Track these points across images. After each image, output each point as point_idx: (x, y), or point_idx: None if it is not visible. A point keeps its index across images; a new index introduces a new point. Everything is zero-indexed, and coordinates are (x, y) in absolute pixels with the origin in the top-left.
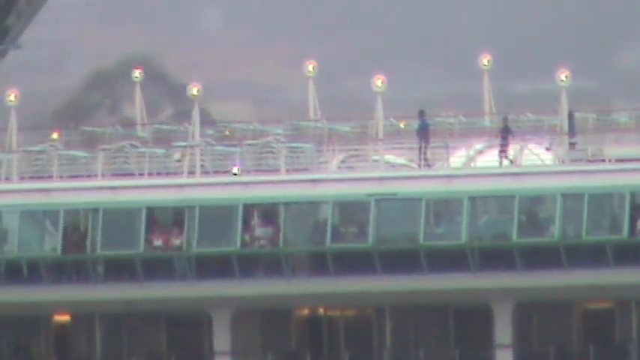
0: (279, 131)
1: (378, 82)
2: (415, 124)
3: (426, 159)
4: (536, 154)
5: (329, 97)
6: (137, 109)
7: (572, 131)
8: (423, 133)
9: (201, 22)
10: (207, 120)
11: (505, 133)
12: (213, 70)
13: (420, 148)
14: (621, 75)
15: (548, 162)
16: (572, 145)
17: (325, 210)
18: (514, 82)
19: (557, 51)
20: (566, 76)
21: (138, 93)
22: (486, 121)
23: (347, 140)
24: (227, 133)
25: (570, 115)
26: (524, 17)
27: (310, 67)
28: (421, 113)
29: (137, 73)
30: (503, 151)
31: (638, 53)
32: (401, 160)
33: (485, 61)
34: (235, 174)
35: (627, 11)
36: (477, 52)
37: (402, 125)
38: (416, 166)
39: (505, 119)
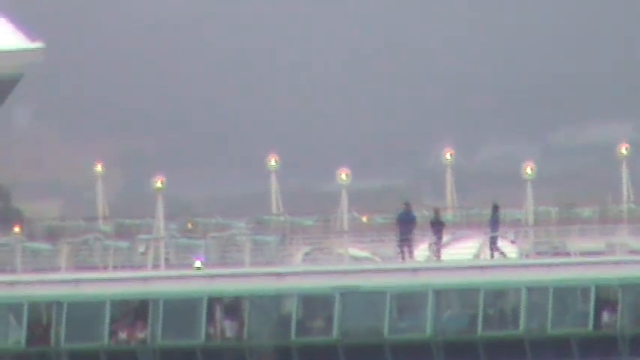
0: (242, 225)
1: (343, 175)
2: (380, 218)
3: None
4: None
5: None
6: (99, 203)
7: (495, 225)
8: (407, 223)
9: (11, 119)
10: (18, 218)
11: (437, 226)
12: (23, 169)
13: (404, 240)
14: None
15: (512, 255)
16: (492, 239)
17: (290, 303)
18: None
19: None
20: (531, 170)
21: None
22: (449, 215)
23: (309, 234)
24: (189, 226)
25: (495, 209)
26: None
27: (272, 162)
28: (407, 205)
29: None
30: (437, 244)
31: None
32: (364, 254)
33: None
34: (198, 268)
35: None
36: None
37: (364, 219)
38: (379, 259)
39: (436, 212)
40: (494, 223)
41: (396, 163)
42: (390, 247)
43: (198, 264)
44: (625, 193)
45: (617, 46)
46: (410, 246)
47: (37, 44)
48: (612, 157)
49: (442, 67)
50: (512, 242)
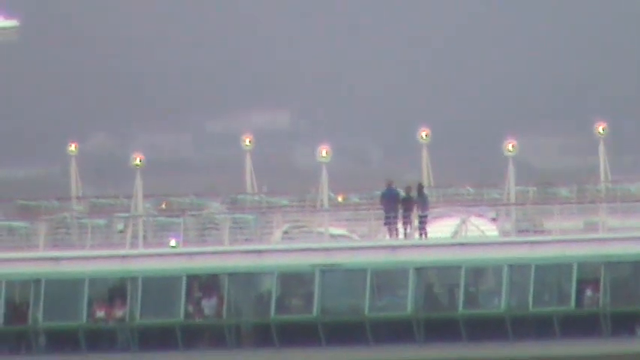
0: (217, 204)
1: (323, 152)
2: (355, 197)
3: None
4: (476, 225)
5: None
6: (73, 183)
7: (424, 204)
8: (391, 201)
9: None
10: None
11: (408, 204)
12: None
13: (388, 216)
14: None
15: (492, 234)
16: (422, 218)
17: (269, 281)
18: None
19: None
20: (513, 147)
21: (73, 166)
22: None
23: (287, 212)
24: (163, 206)
25: (420, 188)
26: None
27: (247, 141)
28: (389, 182)
29: None
30: (406, 222)
31: None
32: (341, 231)
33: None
34: (173, 247)
35: None
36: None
37: (339, 199)
38: (356, 237)
39: (408, 189)
40: (423, 203)
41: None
42: (368, 225)
43: (173, 243)
44: (602, 172)
45: None
46: (395, 224)
47: (11, 22)
48: (588, 137)
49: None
50: (494, 220)
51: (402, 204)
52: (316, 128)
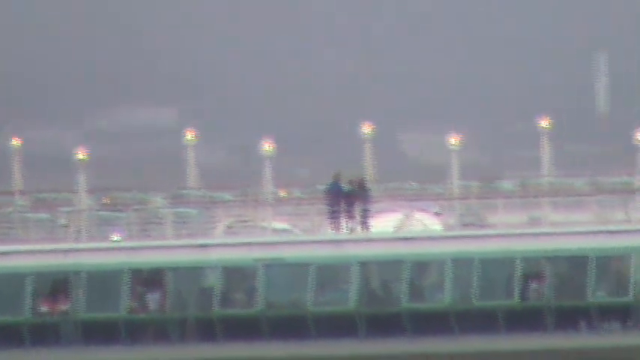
0: (160, 199)
1: (267, 146)
2: (298, 192)
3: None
4: (419, 219)
5: None
6: (16, 178)
7: (367, 199)
8: (337, 196)
9: None
10: None
11: (351, 198)
12: None
13: (333, 210)
14: None
15: (435, 228)
16: (365, 212)
17: (213, 275)
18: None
19: None
20: (456, 141)
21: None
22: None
23: (229, 207)
24: (106, 200)
25: (362, 183)
26: None
27: (189, 136)
28: (336, 177)
29: None
30: (350, 217)
31: None
32: (283, 226)
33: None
34: (116, 241)
35: None
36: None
37: (282, 193)
38: (299, 232)
39: (351, 183)
40: (366, 197)
41: None
42: (310, 220)
43: (115, 238)
44: (545, 166)
45: None
46: (339, 218)
47: None
48: (534, 131)
49: None
50: (437, 215)
51: (345, 198)
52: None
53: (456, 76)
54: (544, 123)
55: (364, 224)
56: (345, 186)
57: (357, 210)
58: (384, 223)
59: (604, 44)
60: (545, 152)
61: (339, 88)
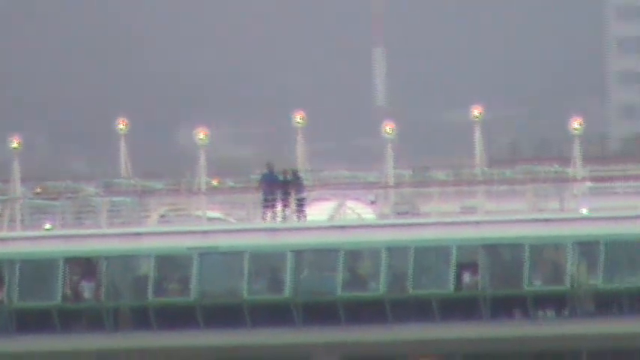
0: (92, 188)
1: (201, 135)
2: (231, 181)
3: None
4: (353, 208)
5: None
6: None
7: (300, 188)
8: (271, 185)
9: None
10: None
11: (285, 187)
12: None
13: (267, 199)
14: None
15: (369, 217)
16: (300, 201)
17: (147, 264)
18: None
19: None
20: (391, 130)
21: None
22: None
23: (163, 196)
24: (38, 190)
25: (295, 172)
26: None
27: (121, 125)
28: (269, 166)
29: None
30: (285, 205)
31: None
32: (217, 215)
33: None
34: (48, 229)
35: None
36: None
37: (214, 182)
38: (233, 220)
39: (285, 172)
40: (299, 186)
41: None
42: (244, 209)
43: (47, 226)
44: (478, 156)
45: None
46: (274, 206)
47: None
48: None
49: None
50: (372, 203)
51: (279, 187)
52: None
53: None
54: (476, 112)
55: (299, 213)
56: (279, 175)
57: (292, 199)
58: (317, 211)
59: None
60: (479, 141)
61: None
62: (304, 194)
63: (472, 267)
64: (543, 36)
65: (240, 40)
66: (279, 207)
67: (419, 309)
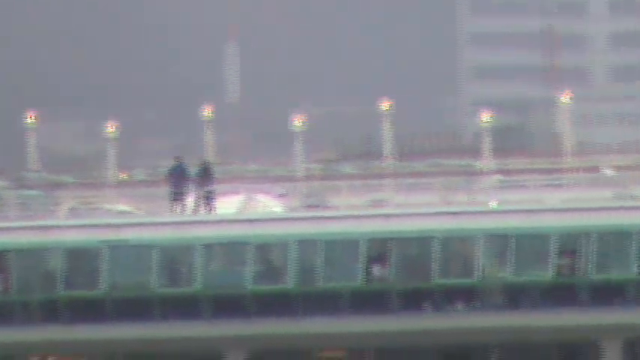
0: (0, 182)
1: (110, 128)
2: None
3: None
4: (262, 201)
5: None
6: None
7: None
8: (180, 177)
9: None
10: None
11: (196, 180)
12: None
13: (176, 192)
14: None
15: (279, 210)
16: (209, 194)
17: (57, 257)
18: None
19: None
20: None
21: None
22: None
23: (72, 189)
24: None
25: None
26: None
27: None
28: (178, 159)
29: None
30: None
31: None
32: (126, 208)
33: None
34: None
35: None
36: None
37: (123, 176)
38: (143, 214)
39: (200, 165)
40: (209, 179)
41: None
42: (153, 202)
43: None
44: (386, 149)
45: None
46: (183, 200)
47: None
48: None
49: None
50: (282, 196)
51: (189, 181)
52: None
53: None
54: (385, 106)
55: (209, 206)
56: (189, 168)
57: (202, 192)
58: (226, 205)
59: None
60: (388, 133)
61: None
62: (213, 188)
63: (381, 260)
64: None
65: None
66: (189, 200)
67: (328, 302)
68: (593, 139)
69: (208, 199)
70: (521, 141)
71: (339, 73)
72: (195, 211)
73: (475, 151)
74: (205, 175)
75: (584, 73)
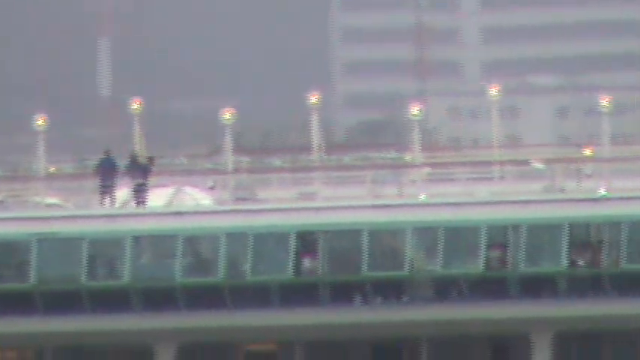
0: None
1: (40, 121)
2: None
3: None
4: (191, 194)
5: None
6: None
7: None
8: (109, 171)
9: None
10: None
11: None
12: None
13: (105, 186)
14: None
15: (207, 202)
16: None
17: None
18: None
19: None
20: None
21: None
22: (143, 160)
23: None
24: None
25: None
26: None
27: None
28: (107, 152)
29: None
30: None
31: None
32: (54, 201)
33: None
34: None
35: None
36: None
37: (52, 169)
38: (71, 206)
39: (131, 158)
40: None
41: None
42: (83, 194)
43: None
44: (315, 142)
45: None
46: (112, 193)
47: None
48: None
49: None
50: (211, 189)
51: (118, 173)
52: None
53: None
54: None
55: (139, 199)
56: (118, 161)
57: (132, 185)
58: (155, 198)
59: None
60: (316, 128)
61: None
62: (144, 181)
63: (311, 253)
64: (271, 25)
65: None
66: (118, 193)
67: (258, 295)
68: (468, 134)
69: (138, 192)
70: (393, 135)
71: (210, 68)
72: (126, 203)
73: (348, 147)
74: (135, 168)
75: (455, 67)
